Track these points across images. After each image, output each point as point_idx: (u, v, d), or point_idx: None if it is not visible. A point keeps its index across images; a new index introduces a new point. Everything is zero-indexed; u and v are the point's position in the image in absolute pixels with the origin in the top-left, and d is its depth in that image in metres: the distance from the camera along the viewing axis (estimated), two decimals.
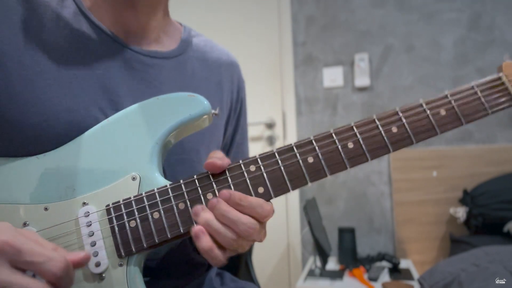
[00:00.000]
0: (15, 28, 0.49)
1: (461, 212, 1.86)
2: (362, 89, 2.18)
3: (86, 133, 0.49)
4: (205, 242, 0.43)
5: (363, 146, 0.47)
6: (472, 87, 0.49)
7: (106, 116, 0.51)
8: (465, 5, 2.05)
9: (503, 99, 0.49)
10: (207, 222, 0.43)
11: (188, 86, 0.63)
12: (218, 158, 0.47)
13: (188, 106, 0.50)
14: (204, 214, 0.44)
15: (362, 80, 2.14)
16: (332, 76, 2.22)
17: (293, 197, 2.22)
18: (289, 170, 0.47)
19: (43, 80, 0.49)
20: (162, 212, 0.45)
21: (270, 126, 2.27)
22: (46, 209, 0.46)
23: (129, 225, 0.45)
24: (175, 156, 0.59)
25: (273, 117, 2.27)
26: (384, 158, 2.14)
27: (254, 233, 0.44)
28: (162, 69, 0.60)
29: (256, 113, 2.24)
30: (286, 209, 2.23)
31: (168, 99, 0.51)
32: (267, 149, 2.26)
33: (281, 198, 2.25)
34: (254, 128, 2.25)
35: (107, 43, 0.56)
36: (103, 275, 0.44)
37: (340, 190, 2.19)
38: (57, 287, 0.36)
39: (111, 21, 0.57)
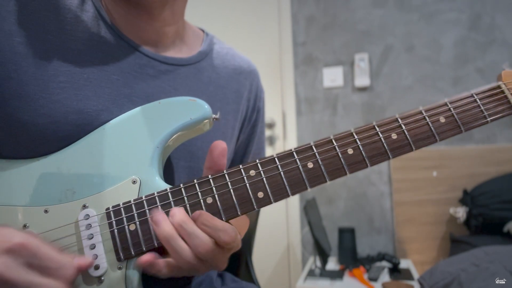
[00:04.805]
0: (35, 30, 0.49)
1: (461, 212, 1.86)
2: (362, 89, 2.18)
3: (87, 136, 0.49)
4: (166, 227, 0.42)
5: (363, 152, 0.47)
6: (472, 95, 0.50)
7: None
8: (465, 5, 2.05)
9: (502, 107, 0.49)
10: (169, 234, 0.43)
11: (203, 93, 0.63)
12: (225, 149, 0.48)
13: (189, 110, 0.50)
14: (165, 224, 0.43)
15: (362, 80, 2.14)
16: (332, 76, 2.22)
17: (293, 197, 2.22)
18: (289, 175, 0.47)
19: (57, 82, 0.49)
20: None
21: (270, 126, 2.27)
22: (46, 211, 0.46)
23: (128, 228, 0.45)
24: (184, 163, 0.58)
25: (273, 117, 2.27)
26: None
27: (206, 253, 0.43)
28: (177, 75, 0.60)
29: None
30: (286, 209, 2.23)
31: (169, 103, 0.51)
32: (267, 149, 2.26)
33: None
34: None
35: (123, 48, 0.56)
36: (102, 278, 0.44)
37: (340, 190, 2.19)
38: None
39: (127, 27, 0.57)
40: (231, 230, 0.44)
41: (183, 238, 0.43)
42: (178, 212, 0.43)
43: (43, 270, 0.36)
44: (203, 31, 0.71)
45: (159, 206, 0.46)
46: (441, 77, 2.08)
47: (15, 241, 0.36)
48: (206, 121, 0.51)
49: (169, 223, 0.43)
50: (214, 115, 0.52)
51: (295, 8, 2.29)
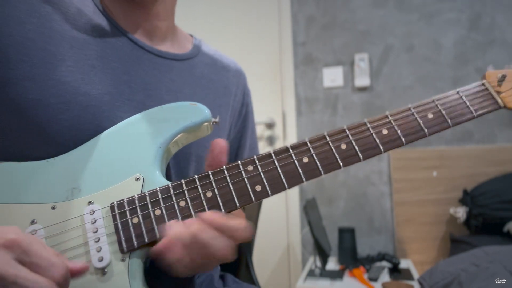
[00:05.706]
0: (42, 19, 0.53)
1: (461, 212, 1.86)
2: (362, 89, 2.18)
3: (93, 139, 0.52)
4: (176, 254, 0.43)
5: (355, 146, 0.50)
6: (457, 92, 0.53)
7: (118, 103, 0.55)
8: (465, 5, 2.06)
9: (487, 103, 0.53)
10: (178, 236, 0.43)
11: (197, 86, 0.67)
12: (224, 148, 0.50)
13: (190, 113, 0.53)
14: (176, 227, 0.44)
15: (362, 80, 2.15)
16: (332, 76, 2.22)
17: (293, 197, 2.22)
18: (285, 169, 0.49)
19: (65, 66, 0.52)
20: (163, 209, 0.47)
21: (270, 126, 2.28)
22: (53, 208, 0.48)
23: (131, 221, 0.46)
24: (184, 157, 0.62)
25: (273, 117, 2.28)
26: (384, 158, 2.14)
27: (223, 257, 0.44)
28: (173, 68, 0.64)
29: (256, 113, 2.22)
30: (286, 209, 2.24)
31: (171, 108, 0.54)
32: (267, 149, 2.26)
33: (281, 198, 2.25)
34: None
35: (122, 40, 0.60)
36: (106, 269, 0.45)
37: (340, 190, 2.19)
38: None
39: (124, 21, 0.62)
40: (246, 226, 0.45)
41: (196, 246, 0.43)
42: (194, 222, 0.44)
43: (33, 268, 0.37)
44: (191, 35, 0.76)
45: (161, 200, 0.48)
46: (441, 77, 2.08)
47: (8, 237, 0.37)
48: (206, 124, 0.54)
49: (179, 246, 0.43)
50: (213, 119, 0.55)
51: (295, 8, 2.29)
